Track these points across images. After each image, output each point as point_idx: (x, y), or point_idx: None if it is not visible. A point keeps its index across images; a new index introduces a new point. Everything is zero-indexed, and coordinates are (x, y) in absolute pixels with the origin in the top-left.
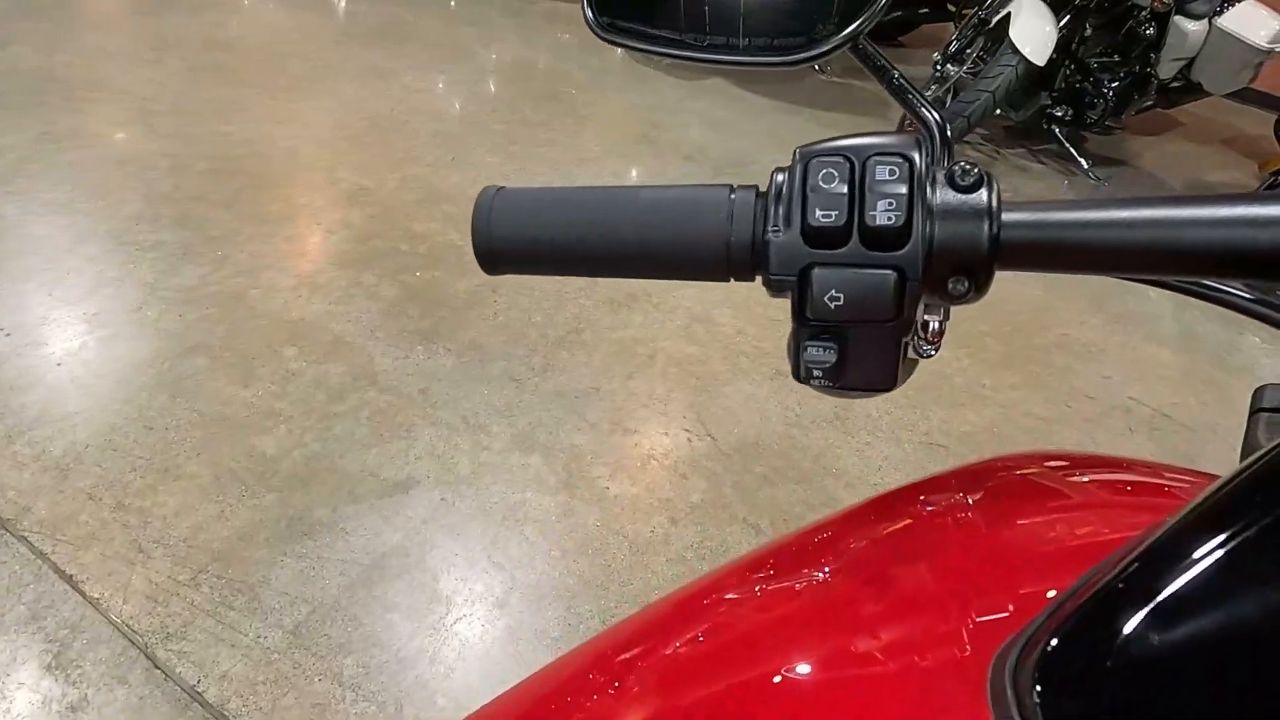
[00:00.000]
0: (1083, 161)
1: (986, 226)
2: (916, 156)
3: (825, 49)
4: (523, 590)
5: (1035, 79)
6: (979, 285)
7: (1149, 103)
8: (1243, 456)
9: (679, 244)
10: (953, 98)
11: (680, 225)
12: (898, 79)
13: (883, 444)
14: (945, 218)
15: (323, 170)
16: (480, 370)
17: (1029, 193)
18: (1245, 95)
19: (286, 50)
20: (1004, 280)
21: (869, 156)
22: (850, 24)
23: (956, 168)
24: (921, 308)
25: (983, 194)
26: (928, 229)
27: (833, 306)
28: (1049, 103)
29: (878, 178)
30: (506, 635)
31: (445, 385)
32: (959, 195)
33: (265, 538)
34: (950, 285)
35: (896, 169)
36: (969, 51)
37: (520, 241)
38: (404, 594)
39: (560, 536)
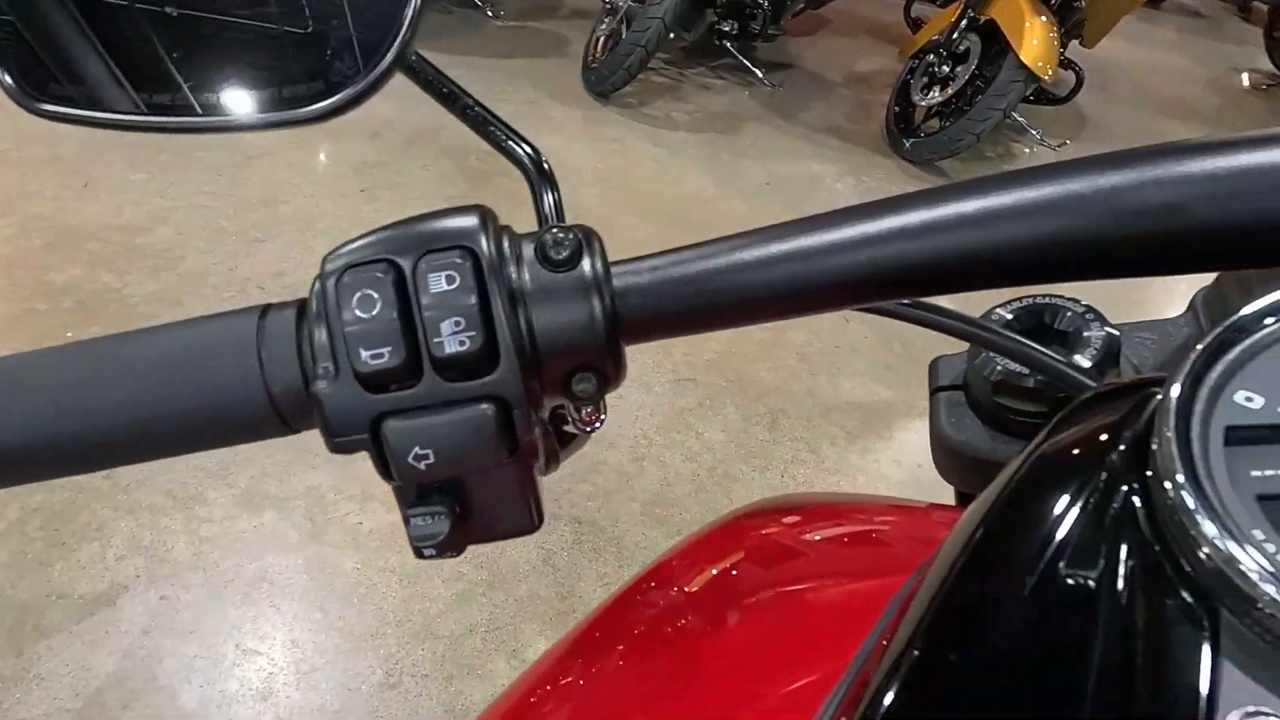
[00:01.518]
0: (757, 71)
1: (597, 305)
2: (483, 240)
3: (360, 89)
4: (287, 671)
5: None
6: (608, 376)
7: (800, 5)
8: (931, 438)
9: (199, 407)
10: (628, 28)
11: (195, 380)
12: (473, 107)
13: (634, 393)
14: (541, 310)
15: None
16: None
17: (717, 108)
18: None
19: None
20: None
21: (418, 258)
22: (385, 49)
23: (547, 237)
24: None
25: (584, 265)
26: (521, 332)
27: (424, 466)
28: (715, 19)
29: (433, 290)
30: None
31: None
32: (554, 274)
33: None
34: (574, 388)
35: (456, 273)
36: None
37: None
38: None
39: (319, 594)
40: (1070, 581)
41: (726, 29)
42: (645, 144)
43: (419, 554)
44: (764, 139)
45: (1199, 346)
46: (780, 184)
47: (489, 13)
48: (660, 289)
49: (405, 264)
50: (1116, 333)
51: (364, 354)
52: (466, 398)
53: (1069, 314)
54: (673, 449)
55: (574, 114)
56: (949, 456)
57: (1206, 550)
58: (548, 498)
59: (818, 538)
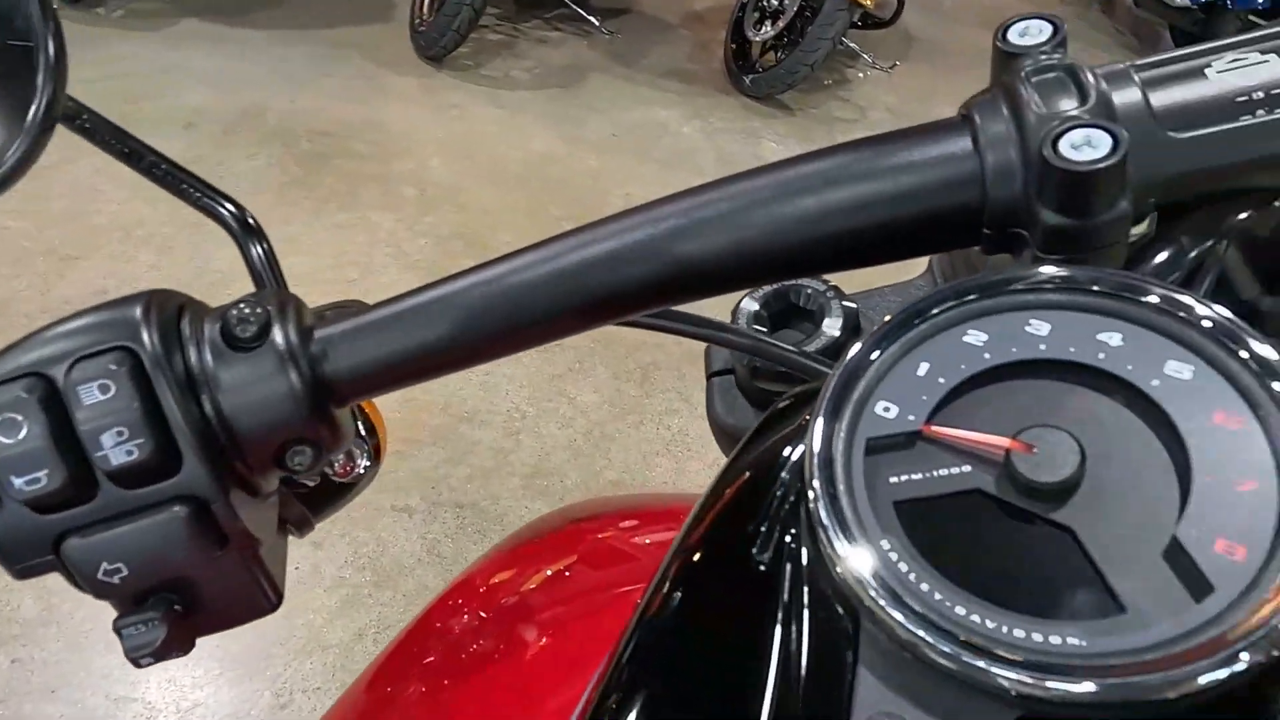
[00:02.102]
0: (593, 19)
1: (295, 377)
2: (145, 335)
3: (9, 166)
4: (166, 712)
5: None
6: (324, 444)
7: None
8: (709, 422)
9: None
10: None
11: None
12: (160, 164)
13: (503, 367)
14: (230, 395)
15: None
16: None
17: (556, 61)
18: None
19: None
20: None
21: (69, 367)
22: (35, 110)
23: (232, 315)
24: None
25: (276, 336)
26: (208, 421)
27: (118, 580)
28: None
29: (87, 402)
30: None
31: None
32: (242, 354)
33: None
34: (289, 463)
35: (111, 380)
36: None
37: None
38: None
39: None
40: (752, 588)
41: None
42: (487, 106)
43: (136, 664)
44: (607, 89)
45: (845, 358)
46: (628, 134)
47: None
48: (369, 345)
49: (56, 375)
50: (853, 305)
51: (17, 481)
52: (152, 503)
53: (810, 292)
54: (547, 417)
55: (409, 82)
56: (726, 439)
57: (838, 564)
58: (424, 486)
59: (617, 544)
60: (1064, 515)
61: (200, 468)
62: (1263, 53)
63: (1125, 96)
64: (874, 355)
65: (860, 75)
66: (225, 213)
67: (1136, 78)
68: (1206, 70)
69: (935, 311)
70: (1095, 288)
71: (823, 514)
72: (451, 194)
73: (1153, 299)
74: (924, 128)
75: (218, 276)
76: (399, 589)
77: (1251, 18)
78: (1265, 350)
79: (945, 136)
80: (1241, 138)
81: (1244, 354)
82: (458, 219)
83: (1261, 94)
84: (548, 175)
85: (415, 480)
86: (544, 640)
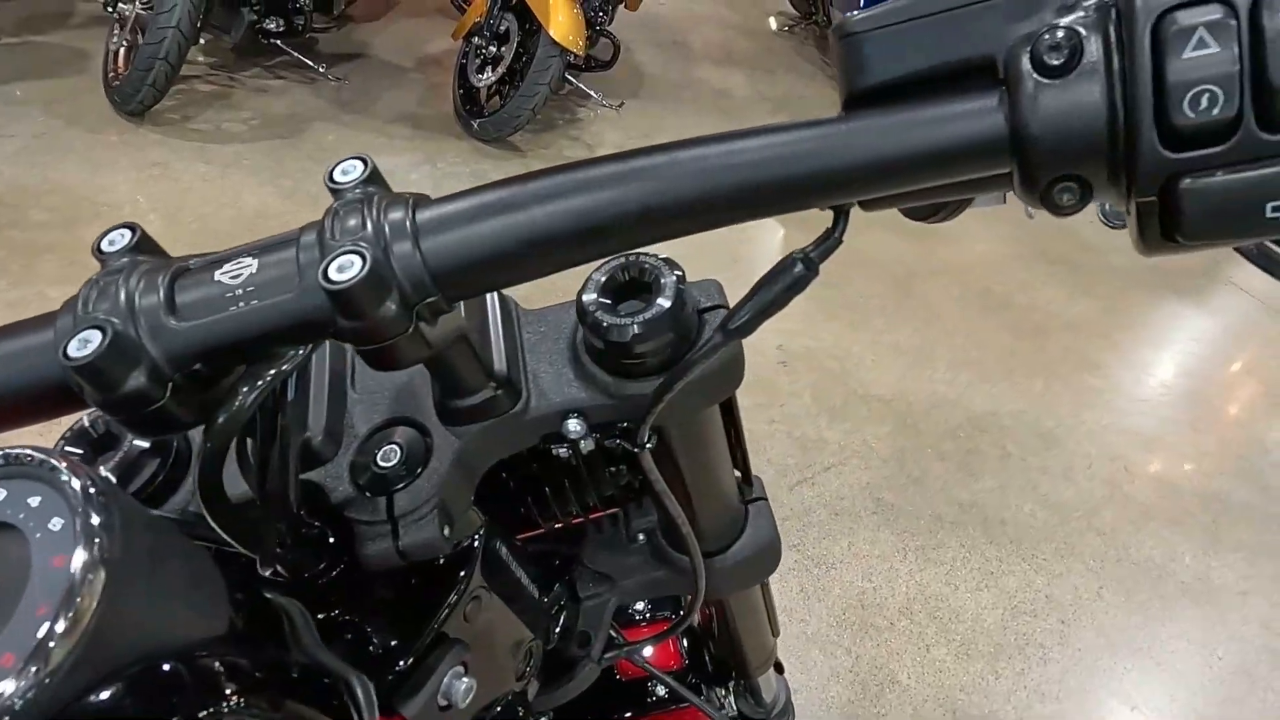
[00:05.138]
0: (318, 66)
1: None
2: None
3: None
4: None
5: None
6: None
7: None
8: None
9: None
10: (144, 38)
11: None
12: None
13: None
14: None
15: None
16: None
17: (276, 111)
18: None
19: None
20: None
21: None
22: None
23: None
24: None
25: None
26: None
27: None
28: (255, 18)
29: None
30: None
31: None
32: None
33: None
34: None
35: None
36: None
37: None
38: None
39: None
40: None
41: (271, 27)
42: (194, 163)
43: None
44: (332, 138)
45: None
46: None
47: None
48: None
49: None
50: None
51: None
52: None
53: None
54: None
55: (103, 140)
56: None
57: None
58: None
59: None
60: None
61: None
62: (252, 257)
63: (148, 299)
64: None
65: (591, 114)
66: None
67: (161, 282)
68: (217, 273)
69: None
70: (33, 463)
71: None
72: None
73: (61, 473)
74: None
75: None
76: None
77: None
78: (90, 507)
79: None
80: (226, 322)
81: (79, 516)
82: None
83: (249, 288)
84: (260, 231)
85: None
86: None
